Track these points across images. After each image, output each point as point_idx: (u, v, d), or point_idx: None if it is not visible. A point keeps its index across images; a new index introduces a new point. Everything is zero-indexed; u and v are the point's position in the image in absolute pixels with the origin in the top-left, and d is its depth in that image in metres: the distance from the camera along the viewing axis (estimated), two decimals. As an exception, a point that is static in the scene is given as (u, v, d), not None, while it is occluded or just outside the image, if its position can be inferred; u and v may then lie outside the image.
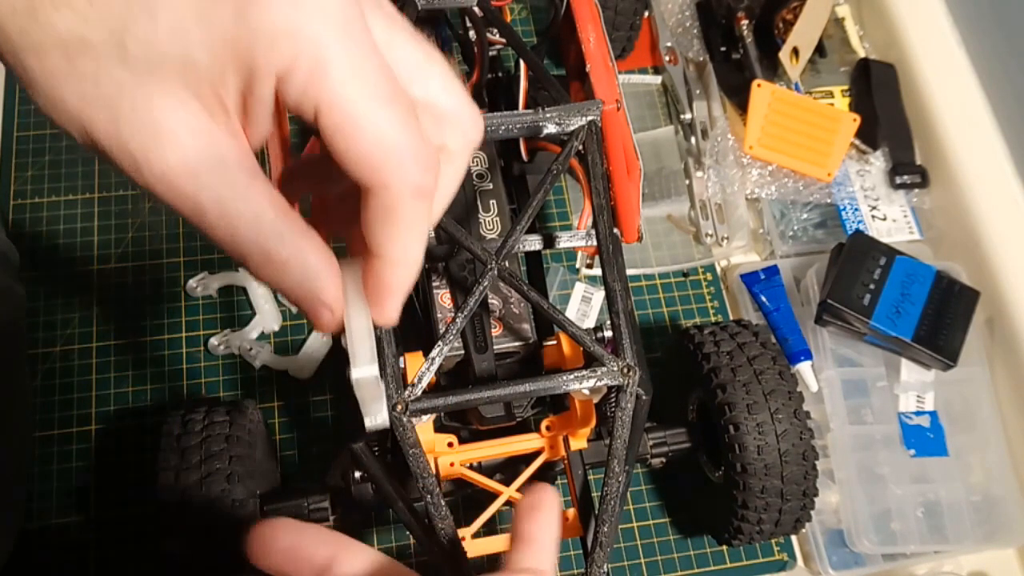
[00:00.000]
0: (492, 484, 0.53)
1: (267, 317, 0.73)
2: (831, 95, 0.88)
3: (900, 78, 0.87)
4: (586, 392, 0.48)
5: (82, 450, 0.68)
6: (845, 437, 0.70)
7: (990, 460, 0.74)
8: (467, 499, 0.66)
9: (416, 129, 0.28)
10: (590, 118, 0.51)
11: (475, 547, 0.52)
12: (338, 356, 0.72)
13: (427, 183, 0.28)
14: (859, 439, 0.71)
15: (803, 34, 0.86)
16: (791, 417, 0.57)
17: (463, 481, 0.53)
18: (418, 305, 0.57)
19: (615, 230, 0.56)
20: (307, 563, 0.32)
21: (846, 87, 0.88)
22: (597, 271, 0.76)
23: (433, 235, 0.56)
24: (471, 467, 0.54)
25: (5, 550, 0.62)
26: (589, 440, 0.54)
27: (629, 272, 0.75)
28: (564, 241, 0.54)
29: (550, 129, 0.51)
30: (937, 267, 0.74)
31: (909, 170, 0.84)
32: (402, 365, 0.51)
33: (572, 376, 0.46)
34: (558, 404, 0.56)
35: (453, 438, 0.53)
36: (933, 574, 0.71)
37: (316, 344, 0.73)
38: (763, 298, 0.76)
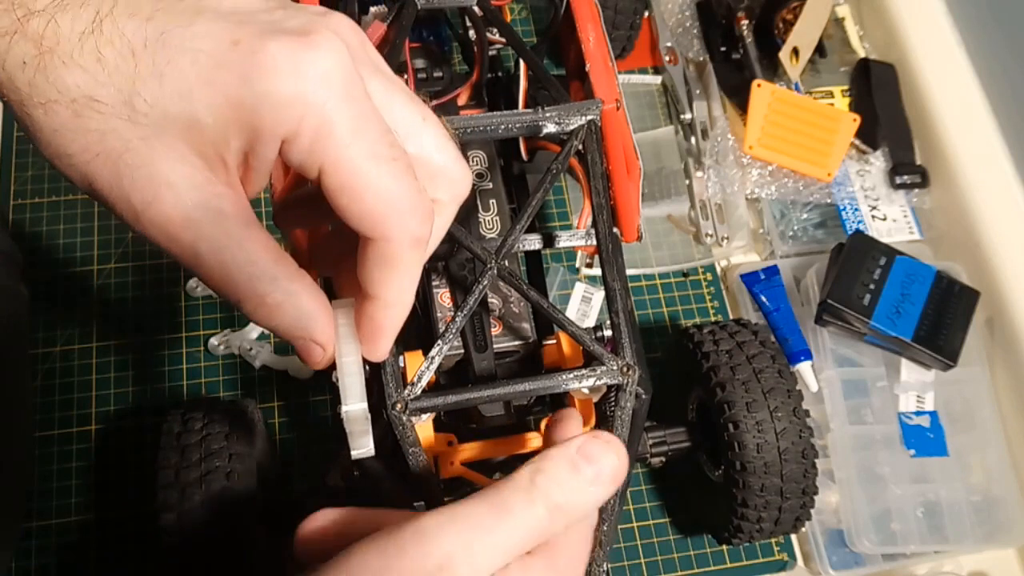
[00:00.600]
0: (492, 483, 0.52)
1: (267, 317, 0.73)
2: (831, 95, 0.88)
3: (900, 78, 0.87)
4: (586, 391, 0.48)
5: (82, 450, 0.68)
6: (845, 437, 0.70)
7: (990, 460, 0.74)
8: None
9: (414, 184, 0.29)
10: (590, 118, 0.51)
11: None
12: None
13: (424, 233, 0.30)
14: (859, 439, 0.71)
15: (803, 34, 0.86)
16: (790, 415, 0.57)
17: (463, 480, 0.53)
18: (418, 304, 0.57)
19: (615, 230, 0.56)
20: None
21: (846, 87, 0.88)
22: (597, 271, 0.76)
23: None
24: (471, 466, 0.54)
25: (8, 552, 0.62)
26: (589, 440, 0.54)
27: (629, 272, 0.75)
28: (564, 241, 0.54)
29: (550, 129, 0.51)
30: (937, 267, 0.74)
31: (909, 170, 0.84)
32: (402, 364, 0.51)
33: (572, 375, 0.46)
34: (558, 403, 0.56)
35: (453, 437, 0.53)
36: (933, 574, 0.71)
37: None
38: (763, 298, 0.76)
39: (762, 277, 0.77)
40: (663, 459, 0.61)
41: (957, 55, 0.85)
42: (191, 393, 0.71)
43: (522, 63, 0.60)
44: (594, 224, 0.50)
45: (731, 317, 0.79)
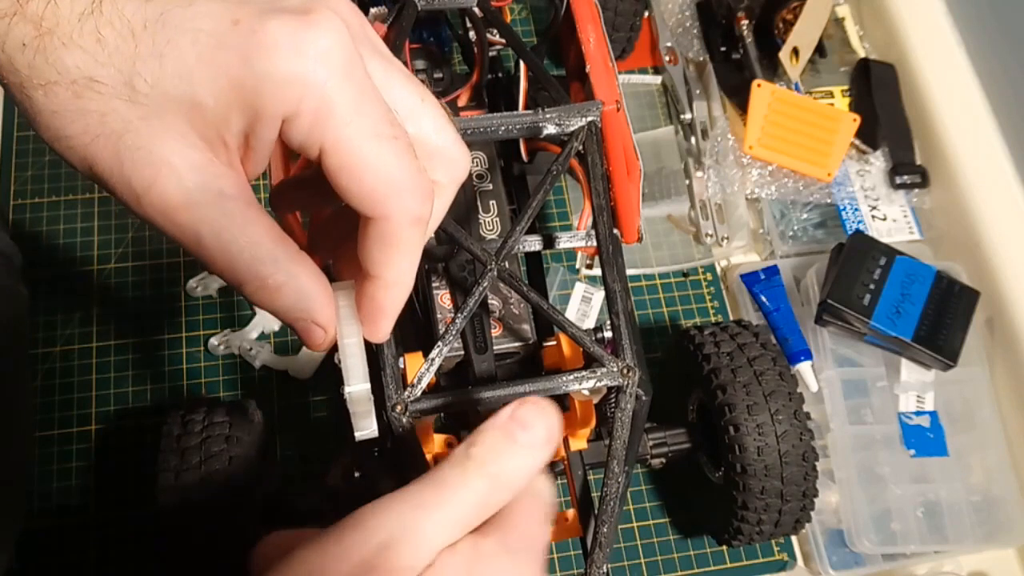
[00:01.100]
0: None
1: (267, 317, 0.73)
2: (831, 95, 0.88)
3: (900, 78, 0.87)
4: (586, 393, 0.48)
5: (82, 450, 0.68)
6: (845, 437, 0.70)
7: (990, 460, 0.74)
8: (467, 499, 0.66)
9: (415, 163, 0.29)
10: (590, 119, 0.51)
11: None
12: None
13: (424, 213, 0.30)
14: (859, 439, 0.71)
15: (803, 34, 0.86)
16: (791, 418, 0.57)
17: (463, 481, 0.53)
18: (418, 305, 0.57)
19: (615, 230, 0.56)
20: None
21: (846, 87, 0.88)
22: (597, 271, 0.76)
23: (433, 236, 0.56)
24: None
25: (8, 552, 0.62)
26: (589, 440, 0.54)
27: (629, 272, 0.75)
28: (564, 242, 0.54)
29: (550, 130, 0.51)
30: (937, 267, 0.74)
31: (909, 170, 0.84)
32: (402, 365, 0.51)
33: (572, 377, 0.46)
34: (558, 404, 0.56)
35: (453, 439, 0.53)
36: (933, 574, 0.71)
37: (316, 344, 0.73)
38: (763, 298, 0.76)
39: (762, 277, 0.77)
40: (663, 460, 0.61)
41: (957, 55, 0.85)
42: (191, 393, 0.71)
43: (522, 64, 0.60)
44: (594, 225, 0.50)
45: (731, 317, 0.79)
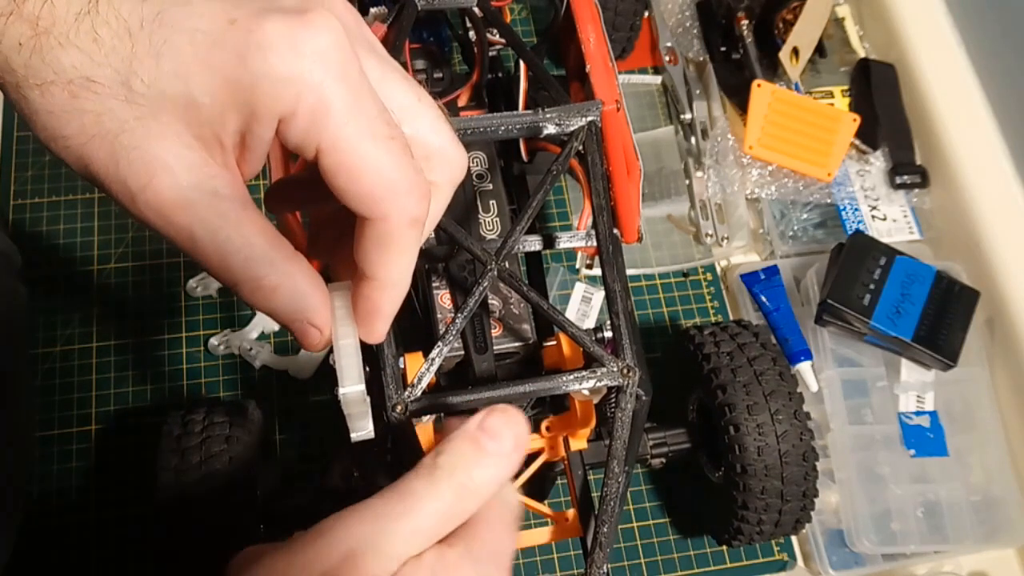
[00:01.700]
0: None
1: (267, 317, 0.72)
2: (831, 95, 0.88)
3: (900, 78, 0.87)
4: (586, 393, 0.48)
5: (82, 450, 0.68)
6: (845, 437, 0.70)
7: (990, 460, 0.74)
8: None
9: (412, 163, 0.29)
10: (590, 119, 0.51)
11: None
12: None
13: (421, 213, 0.30)
14: (859, 439, 0.71)
15: (803, 34, 0.86)
16: (791, 418, 0.57)
17: (463, 481, 0.53)
18: (418, 305, 0.57)
19: (615, 230, 0.56)
20: None
21: (846, 87, 0.88)
22: (597, 271, 0.76)
23: (433, 236, 0.56)
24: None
25: (5, 552, 0.62)
26: (589, 440, 0.54)
27: (629, 272, 0.75)
28: (564, 241, 0.54)
29: (550, 130, 0.51)
30: (937, 267, 0.74)
31: (909, 170, 0.84)
32: (402, 365, 0.51)
33: (572, 377, 0.46)
34: (558, 405, 0.56)
35: (453, 438, 0.52)
36: (933, 574, 0.71)
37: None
38: (763, 298, 0.76)
39: (762, 277, 0.77)
40: (663, 460, 0.61)
41: (957, 55, 0.85)
42: (191, 393, 0.71)
43: (522, 64, 0.60)
44: (594, 225, 0.50)
45: (731, 317, 0.79)
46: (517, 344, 0.55)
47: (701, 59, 0.88)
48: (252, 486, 0.52)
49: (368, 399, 0.35)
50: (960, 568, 0.72)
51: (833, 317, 0.71)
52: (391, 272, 0.31)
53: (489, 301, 0.55)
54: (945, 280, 0.74)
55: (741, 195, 0.82)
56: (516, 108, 0.61)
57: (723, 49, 0.88)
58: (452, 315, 0.54)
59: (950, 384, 0.75)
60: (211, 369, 0.72)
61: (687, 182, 0.83)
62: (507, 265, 0.47)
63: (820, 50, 0.88)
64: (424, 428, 0.50)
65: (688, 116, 0.85)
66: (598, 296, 0.77)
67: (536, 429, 0.54)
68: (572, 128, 0.51)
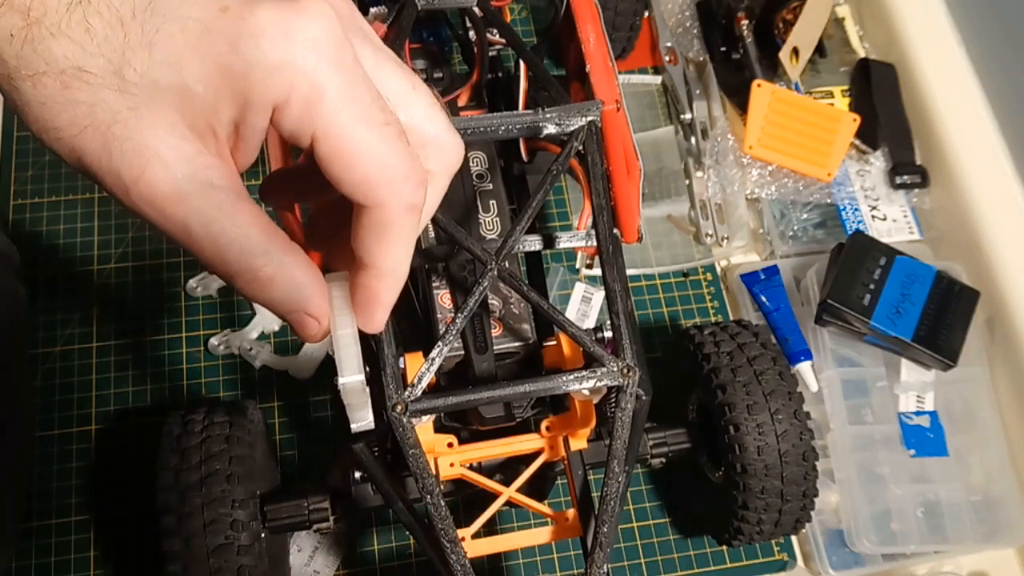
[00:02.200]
0: (492, 484, 0.53)
1: (267, 317, 0.73)
2: (831, 95, 0.88)
3: (900, 78, 0.87)
4: (586, 392, 0.48)
5: (82, 450, 0.68)
6: (845, 437, 0.70)
7: (990, 460, 0.74)
8: (467, 499, 0.66)
9: (408, 150, 0.29)
10: (590, 118, 0.51)
11: (475, 547, 0.52)
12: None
13: (419, 200, 0.30)
14: (859, 439, 0.71)
15: (803, 34, 0.86)
16: (791, 418, 0.57)
17: (463, 481, 0.53)
18: (418, 305, 0.57)
19: (615, 230, 0.56)
20: None
21: (846, 87, 0.88)
22: (597, 271, 0.76)
23: (433, 235, 0.56)
24: (471, 467, 0.54)
25: (8, 552, 0.62)
26: (589, 440, 0.54)
27: (629, 272, 0.75)
28: (564, 241, 0.54)
29: (550, 129, 0.51)
30: (937, 267, 0.74)
31: (909, 170, 0.84)
32: (402, 365, 0.51)
33: (572, 376, 0.46)
34: (558, 404, 0.56)
35: (453, 438, 0.53)
36: (933, 574, 0.71)
37: (316, 344, 0.73)
38: (763, 298, 0.76)
39: (762, 277, 0.77)
40: (663, 460, 0.61)
41: (957, 55, 0.85)
42: (191, 393, 0.71)
43: (522, 64, 0.60)
44: (594, 225, 0.50)
45: (731, 317, 0.79)
46: (517, 344, 0.55)
47: (701, 59, 0.88)
48: (252, 486, 0.52)
49: (368, 389, 0.35)
50: (960, 568, 0.72)
51: (833, 317, 0.71)
52: (389, 260, 0.31)
53: (489, 301, 0.55)
54: (945, 280, 0.74)
55: (741, 195, 0.82)
56: (516, 108, 0.61)
57: (723, 49, 0.88)
58: (452, 315, 0.54)
59: (950, 384, 0.75)
60: (211, 369, 0.72)
61: (687, 182, 0.83)
62: (507, 265, 0.47)
63: (820, 50, 0.88)
64: (424, 428, 0.50)
65: (688, 116, 0.85)
66: (598, 296, 0.77)
67: (536, 429, 0.54)
68: (572, 128, 0.51)
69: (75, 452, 0.68)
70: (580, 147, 0.51)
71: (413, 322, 0.57)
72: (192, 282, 0.74)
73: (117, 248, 0.75)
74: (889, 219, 0.83)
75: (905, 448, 0.72)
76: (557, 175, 0.50)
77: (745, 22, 0.87)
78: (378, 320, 0.33)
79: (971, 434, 0.74)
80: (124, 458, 0.68)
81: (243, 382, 0.72)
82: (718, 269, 0.82)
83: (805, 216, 0.82)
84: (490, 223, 0.58)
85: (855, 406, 0.73)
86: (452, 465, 0.52)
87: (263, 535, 0.53)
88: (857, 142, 0.84)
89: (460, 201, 0.58)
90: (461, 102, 0.64)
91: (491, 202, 0.58)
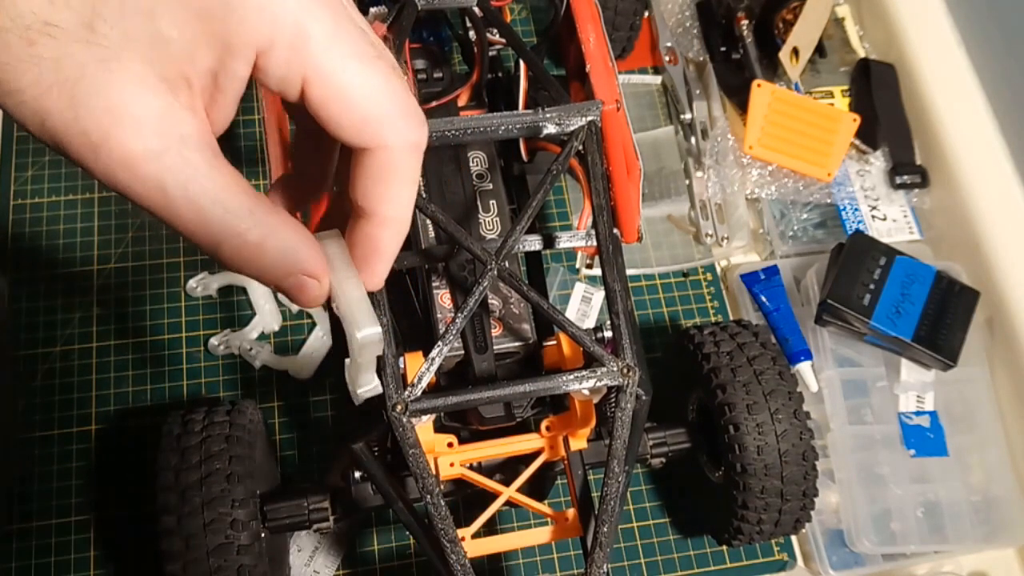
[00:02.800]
0: (492, 484, 0.53)
1: (267, 317, 0.73)
2: (831, 95, 0.88)
3: (900, 78, 0.87)
4: (586, 392, 0.48)
5: (82, 450, 0.68)
6: (845, 437, 0.70)
7: (990, 460, 0.74)
8: (467, 499, 0.66)
9: (403, 84, 0.28)
10: (590, 118, 0.51)
11: (475, 547, 0.52)
12: (338, 356, 0.72)
13: (420, 138, 0.29)
14: (859, 439, 0.71)
15: (803, 34, 0.86)
16: (791, 417, 0.57)
17: (463, 481, 0.53)
18: (418, 305, 0.57)
19: (615, 230, 0.56)
20: None
21: (846, 87, 0.88)
22: (597, 271, 0.76)
23: (433, 235, 0.56)
24: (471, 467, 0.54)
25: None
26: (589, 440, 0.54)
27: (629, 272, 0.75)
28: (564, 241, 0.54)
29: (550, 129, 0.51)
30: (937, 267, 0.74)
31: (909, 170, 0.84)
32: (402, 365, 0.51)
33: (572, 376, 0.46)
34: (558, 404, 0.56)
35: (453, 438, 0.53)
36: (933, 574, 0.71)
37: (316, 344, 0.73)
38: (763, 298, 0.76)
39: (762, 277, 0.77)
40: (663, 460, 0.61)
41: (957, 55, 0.85)
42: (191, 393, 0.71)
43: (522, 64, 0.60)
44: (594, 225, 0.50)
45: (731, 317, 0.79)
46: (517, 344, 0.55)
47: (701, 59, 0.88)
48: (252, 486, 0.52)
49: (384, 343, 0.32)
50: (960, 568, 0.72)
51: (833, 317, 0.71)
52: (393, 205, 0.30)
53: (489, 301, 0.55)
54: (945, 280, 0.74)
55: (741, 195, 0.82)
56: (516, 108, 0.61)
57: (723, 49, 0.88)
58: (452, 315, 0.54)
59: (950, 384, 0.75)
60: (211, 369, 0.72)
61: (687, 182, 0.83)
62: (507, 265, 0.47)
63: (820, 50, 0.88)
64: (424, 428, 0.50)
65: (688, 116, 0.85)
66: (598, 296, 0.77)
67: (536, 429, 0.54)
68: (572, 128, 0.51)
69: (75, 452, 0.68)
70: (580, 147, 0.51)
71: (413, 322, 0.57)
72: (192, 282, 0.74)
73: (117, 248, 0.75)
74: (889, 219, 0.83)
75: (905, 448, 0.72)
76: (557, 175, 0.50)
77: (745, 22, 0.87)
78: (380, 273, 0.31)
79: (971, 434, 0.74)
80: (124, 458, 0.68)
81: (243, 382, 0.72)
82: (718, 269, 0.82)
83: (805, 216, 0.82)
84: (490, 223, 0.58)
85: (855, 406, 0.73)
86: (452, 465, 0.52)
87: (263, 535, 0.53)
88: (857, 142, 0.84)
89: (460, 201, 0.58)
90: (461, 102, 0.64)
91: (491, 202, 0.58)
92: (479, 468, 0.55)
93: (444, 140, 0.50)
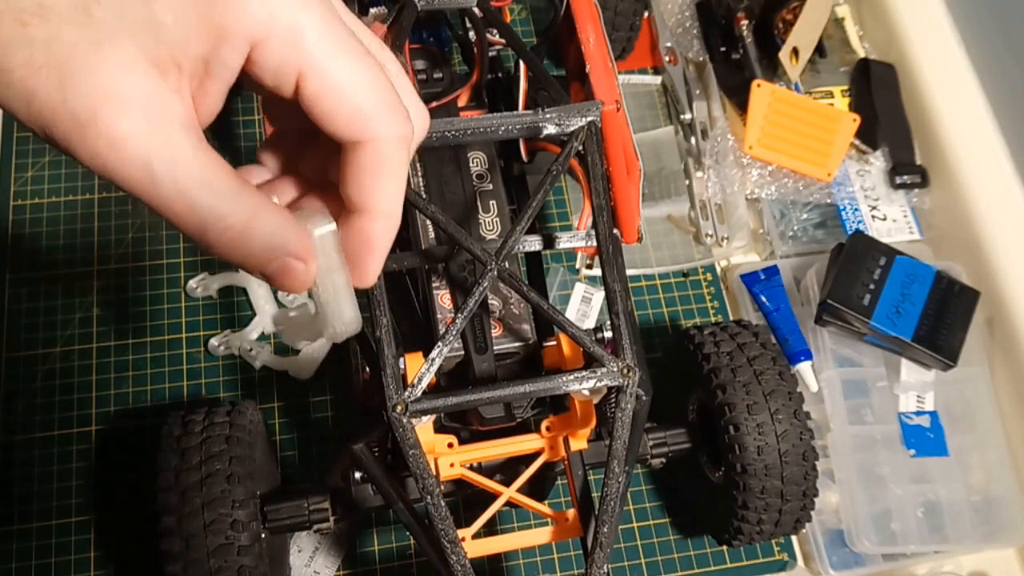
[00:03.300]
0: (492, 485, 0.53)
1: (267, 318, 0.73)
2: (831, 95, 0.88)
3: (900, 78, 0.87)
4: (586, 393, 0.48)
5: (82, 450, 0.68)
6: (845, 437, 0.70)
7: (990, 460, 0.74)
8: (467, 499, 0.66)
9: (388, 80, 0.29)
10: (590, 119, 0.51)
11: (475, 547, 0.52)
12: (338, 356, 0.72)
13: (408, 131, 0.29)
14: (859, 439, 0.71)
15: (803, 34, 0.86)
16: (791, 418, 0.57)
17: (463, 482, 0.53)
18: (418, 305, 0.57)
19: (615, 230, 0.56)
20: None
21: (846, 87, 0.88)
22: (597, 271, 0.76)
23: (433, 235, 0.56)
24: (471, 468, 0.54)
25: None
26: (589, 440, 0.54)
27: (629, 272, 0.75)
28: (564, 242, 0.54)
29: (550, 130, 0.51)
30: (937, 267, 0.74)
31: (909, 170, 0.84)
32: (402, 366, 0.51)
33: (572, 377, 0.46)
34: (558, 405, 0.56)
35: (453, 439, 0.53)
36: (933, 574, 0.71)
37: (316, 344, 0.73)
38: (763, 298, 0.76)
39: (762, 277, 0.77)
40: (663, 460, 0.61)
41: (957, 55, 0.85)
42: (191, 393, 0.71)
43: (522, 64, 0.60)
44: (594, 225, 0.50)
45: (731, 317, 0.79)
46: (517, 344, 0.55)
47: (701, 59, 0.88)
48: (252, 486, 0.52)
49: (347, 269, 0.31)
50: (960, 568, 0.72)
51: (833, 317, 0.71)
52: (386, 199, 0.30)
53: (489, 301, 0.55)
54: (945, 280, 0.74)
55: (741, 195, 0.82)
56: (516, 108, 0.61)
57: (723, 49, 0.88)
58: (452, 315, 0.54)
59: (950, 384, 0.75)
60: (211, 369, 0.72)
61: (687, 182, 0.83)
62: (507, 265, 0.47)
63: (820, 50, 0.88)
64: (424, 428, 0.50)
65: (688, 116, 0.85)
66: (598, 296, 0.77)
67: (536, 429, 0.54)
68: (572, 128, 0.51)
69: (75, 452, 0.68)
70: (580, 147, 0.51)
71: (413, 322, 0.57)
72: (192, 282, 0.74)
73: (117, 248, 0.75)
74: (889, 219, 0.83)
75: (905, 448, 0.72)
76: (557, 175, 0.50)
77: (745, 22, 0.87)
78: (373, 269, 0.31)
79: (971, 434, 0.74)
80: (124, 458, 0.68)
81: (243, 382, 0.72)
82: (718, 269, 0.82)
83: (805, 216, 0.82)
84: (490, 223, 0.58)
85: (855, 406, 0.73)
86: (452, 465, 0.52)
87: (263, 535, 0.53)
88: (857, 142, 0.84)
89: (460, 201, 0.58)
90: (461, 102, 0.64)
91: (491, 202, 0.58)
92: (479, 468, 0.55)
93: (444, 141, 0.50)
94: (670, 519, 0.71)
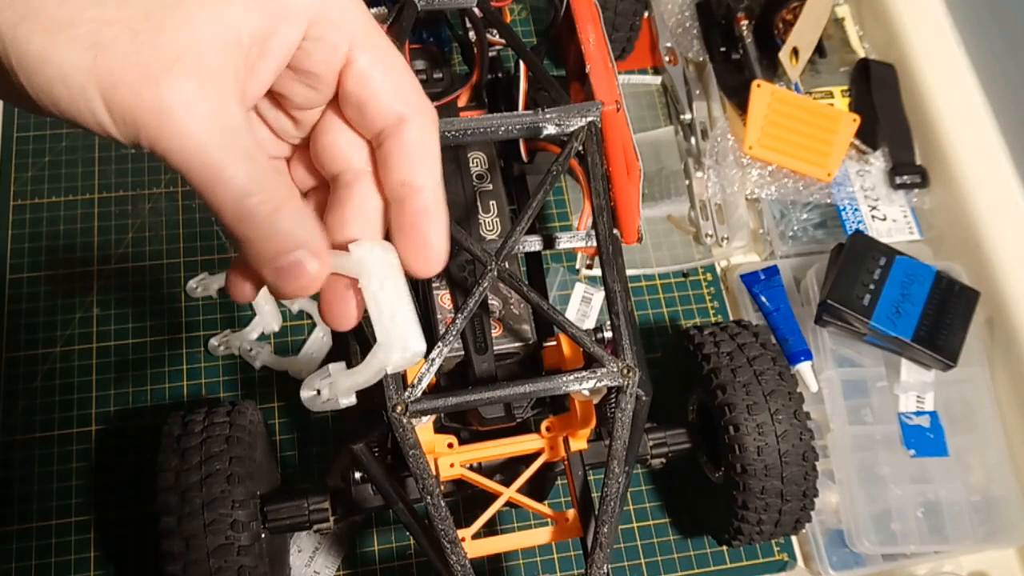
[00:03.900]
0: (492, 485, 0.53)
1: (267, 318, 0.73)
2: (831, 95, 0.88)
3: (900, 78, 0.87)
4: (586, 393, 0.48)
5: (82, 450, 0.68)
6: (845, 437, 0.70)
7: (990, 460, 0.74)
8: (467, 500, 0.66)
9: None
10: (590, 119, 0.51)
11: (475, 548, 0.52)
12: (338, 356, 0.72)
13: (435, 111, 0.31)
14: (859, 439, 0.71)
15: (803, 34, 0.86)
16: (791, 418, 0.57)
17: (463, 482, 0.53)
18: (418, 306, 0.57)
19: (615, 231, 0.56)
20: None
21: (846, 87, 0.88)
22: (597, 272, 0.76)
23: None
24: (471, 468, 0.54)
25: None
26: (589, 441, 0.54)
27: (629, 272, 0.75)
28: (564, 242, 0.54)
29: (550, 130, 0.51)
30: (937, 267, 0.74)
31: (909, 170, 0.84)
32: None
33: (572, 377, 0.46)
34: (558, 405, 0.56)
35: (453, 439, 0.53)
36: (933, 574, 0.71)
37: (316, 345, 0.73)
38: (763, 298, 0.76)
39: (762, 277, 0.77)
40: (663, 460, 0.61)
41: (957, 55, 0.85)
42: (191, 394, 0.71)
43: (522, 64, 0.60)
44: (594, 225, 0.50)
45: (731, 317, 0.79)
46: (517, 344, 0.55)
47: (701, 59, 0.88)
48: (252, 486, 0.52)
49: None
50: (960, 568, 0.72)
51: (833, 317, 0.71)
52: (435, 174, 0.30)
53: (489, 301, 0.55)
54: (945, 280, 0.74)
55: (741, 195, 0.82)
56: (516, 108, 0.61)
57: (723, 49, 0.88)
58: (452, 315, 0.54)
59: (950, 384, 0.75)
60: (211, 369, 0.72)
61: (687, 182, 0.83)
62: (507, 265, 0.47)
63: (820, 50, 0.88)
64: (424, 428, 0.50)
65: (688, 116, 0.85)
66: (598, 296, 0.77)
67: (536, 429, 0.54)
68: (572, 128, 0.51)
69: (75, 452, 0.68)
70: (580, 148, 0.51)
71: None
72: (192, 283, 0.74)
73: (117, 248, 0.75)
74: (889, 219, 0.83)
75: (905, 448, 0.72)
76: (557, 176, 0.50)
77: (745, 22, 0.87)
78: (444, 248, 0.31)
79: (971, 434, 0.74)
80: (124, 459, 0.68)
81: (243, 383, 0.72)
82: (718, 269, 0.82)
83: (805, 216, 0.82)
84: (490, 223, 0.58)
85: (855, 406, 0.73)
86: (452, 465, 0.52)
87: (263, 535, 0.53)
88: (857, 142, 0.84)
89: (460, 201, 0.58)
90: (461, 102, 0.64)
91: (491, 202, 0.58)
92: (479, 469, 0.55)
93: (444, 141, 0.50)
94: (670, 519, 0.71)
